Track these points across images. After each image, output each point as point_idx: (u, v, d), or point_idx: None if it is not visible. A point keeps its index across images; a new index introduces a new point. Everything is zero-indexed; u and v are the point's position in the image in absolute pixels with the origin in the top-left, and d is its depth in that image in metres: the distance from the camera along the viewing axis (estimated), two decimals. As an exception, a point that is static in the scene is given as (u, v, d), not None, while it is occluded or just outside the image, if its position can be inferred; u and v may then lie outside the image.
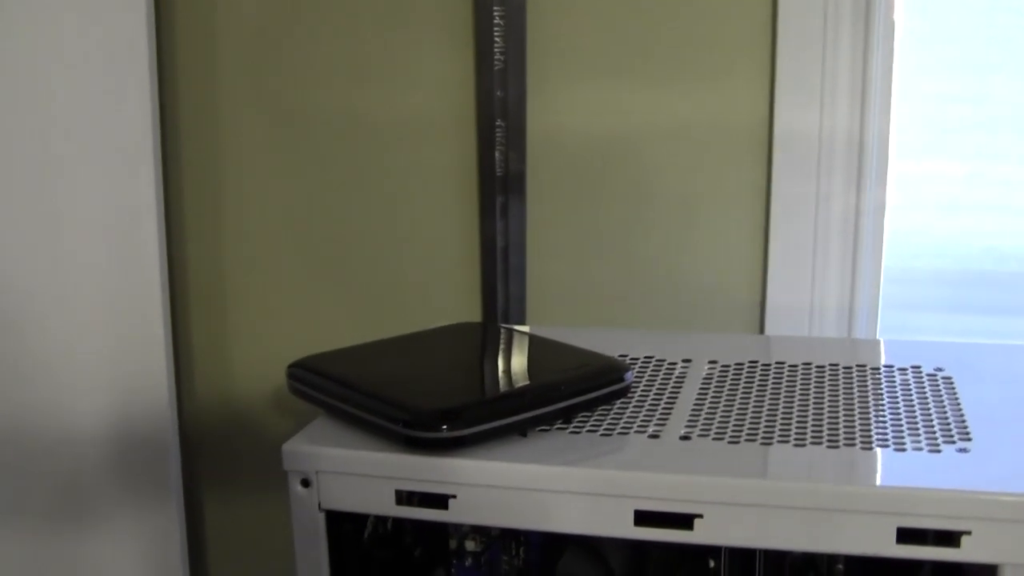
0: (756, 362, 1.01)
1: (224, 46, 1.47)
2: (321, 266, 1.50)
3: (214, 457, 1.60)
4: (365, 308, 1.49)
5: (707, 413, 0.89)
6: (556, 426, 0.87)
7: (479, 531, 0.96)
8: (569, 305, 1.43)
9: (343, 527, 0.88)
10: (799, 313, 1.36)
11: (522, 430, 0.85)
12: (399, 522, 0.94)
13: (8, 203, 1.41)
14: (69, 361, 1.45)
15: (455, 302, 1.45)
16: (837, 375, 0.97)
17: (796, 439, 0.83)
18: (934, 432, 0.83)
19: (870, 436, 0.83)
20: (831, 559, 0.85)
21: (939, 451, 0.80)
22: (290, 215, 1.49)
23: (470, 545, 0.96)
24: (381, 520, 0.93)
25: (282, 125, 1.47)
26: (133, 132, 1.40)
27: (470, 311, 1.45)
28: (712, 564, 0.87)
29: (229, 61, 1.47)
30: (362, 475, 0.84)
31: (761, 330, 1.38)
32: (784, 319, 1.36)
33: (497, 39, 1.36)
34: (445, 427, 0.81)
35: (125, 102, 1.40)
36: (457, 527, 0.96)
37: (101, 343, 1.45)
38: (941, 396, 0.91)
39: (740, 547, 0.80)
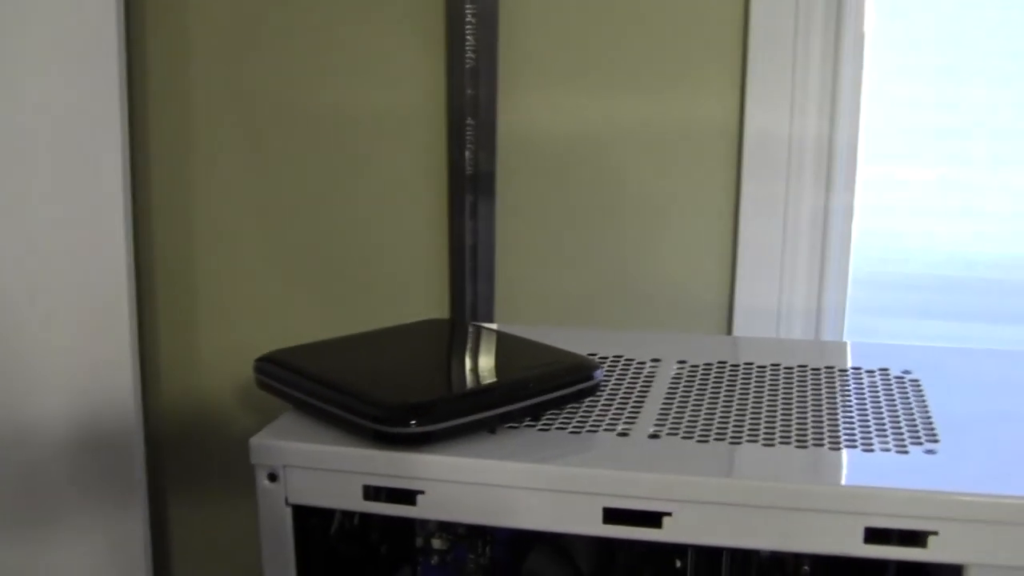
0: (725, 362, 1.01)
1: (195, 38, 1.46)
2: (290, 261, 1.49)
3: (180, 454, 1.59)
4: (334, 304, 1.49)
5: (676, 412, 0.89)
6: (525, 423, 0.87)
7: (446, 529, 0.95)
8: (537, 304, 1.43)
9: (309, 522, 0.87)
10: (767, 315, 1.36)
11: (491, 427, 0.85)
12: (366, 519, 0.93)
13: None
14: (32, 355, 1.44)
15: (424, 299, 1.45)
16: (806, 376, 0.97)
17: (764, 439, 0.83)
18: (901, 433, 0.84)
19: (838, 437, 0.83)
20: (797, 560, 0.85)
21: (906, 452, 0.80)
22: (259, 210, 1.49)
23: (436, 543, 0.96)
24: (348, 516, 0.92)
25: (253, 120, 1.46)
26: (101, 124, 1.40)
27: (438, 309, 1.44)
28: (679, 564, 0.87)
29: (200, 54, 1.46)
30: (330, 470, 0.83)
31: (729, 331, 1.38)
32: (752, 321, 1.37)
33: (469, 37, 1.36)
34: (414, 422, 0.81)
35: (93, 94, 1.39)
36: (424, 525, 0.95)
37: (65, 337, 1.44)
38: (908, 398, 0.92)
39: (709, 545, 0.80)
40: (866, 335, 1.39)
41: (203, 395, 1.56)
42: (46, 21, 1.36)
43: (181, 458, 1.59)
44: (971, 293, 1.39)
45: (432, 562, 0.96)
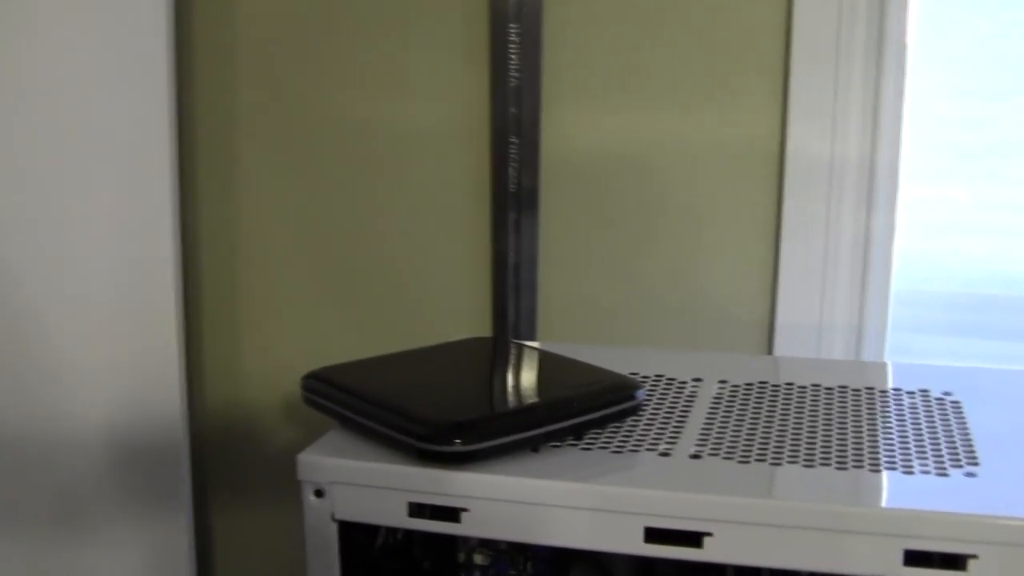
0: (766, 382, 1.02)
1: (241, 57, 1.48)
2: (334, 277, 1.51)
3: (223, 466, 1.60)
4: (376, 319, 1.50)
5: (717, 432, 0.90)
6: (567, 442, 0.88)
7: (487, 544, 0.96)
8: (579, 321, 1.44)
9: (354, 537, 0.88)
10: (807, 333, 1.37)
11: (534, 445, 0.86)
12: (409, 534, 0.94)
13: (24, 209, 1.42)
14: (81, 367, 1.46)
15: (466, 316, 1.46)
16: (846, 397, 0.98)
17: (805, 460, 0.84)
18: (941, 456, 0.84)
19: (878, 458, 0.84)
20: (837, 580, 0.86)
21: (946, 475, 0.81)
22: (304, 226, 1.50)
23: (478, 558, 0.97)
24: (392, 531, 0.93)
25: (298, 138, 1.48)
26: (150, 142, 1.41)
27: (481, 325, 1.45)
28: (718, 582, 0.87)
29: (246, 72, 1.48)
30: (375, 487, 0.84)
31: (769, 349, 1.38)
32: (792, 339, 1.37)
33: (513, 56, 1.37)
34: (458, 441, 0.82)
35: (143, 112, 1.41)
36: (466, 540, 0.96)
37: (113, 350, 1.45)
38: (949, 420, 0.92)
39: (748, 565, 0.80)
40: (907, 353, 1.39)
41: (246, 407, 1.58)
42: (97, 38, 1.39)
43: (224, 468, 1.61)
44: (1012, 312, 1.39)
45: (474, 577, 0.97)
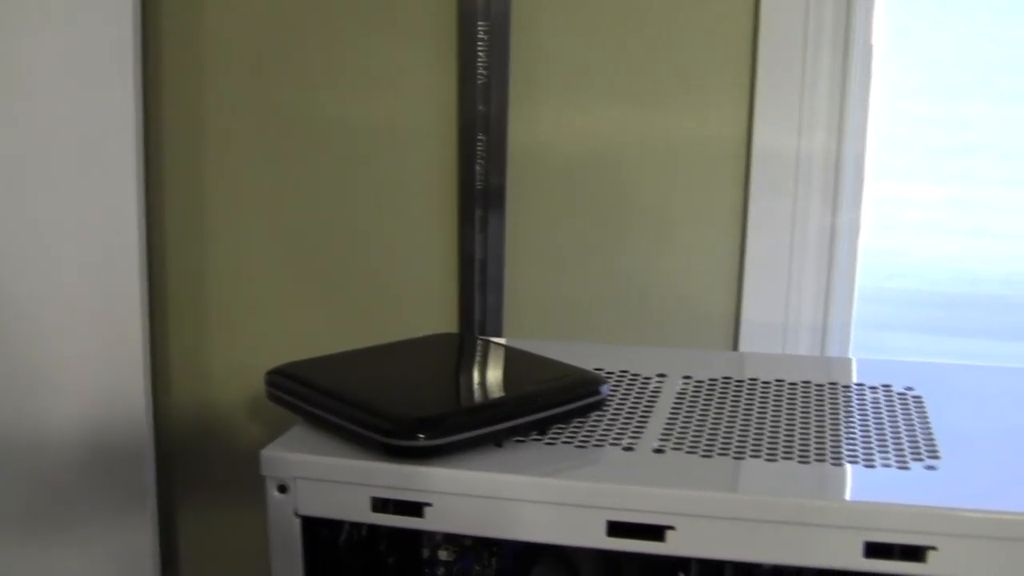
0: (730, 378, 1.02)
1: (210, 54, 1.47)
2: (300, 274, 1.50)
3: (190, 463, 1.60)
4: (343, 316, 1.50)
5: (681, 427, 0.90)
6: (531, 437, 0.88)
7: (452, 540, 0.96)
8: (546, 318, 1.44)
9: (319, 533, 0.88)
10: (773, 330, 1.37)
11: (498, 440, 0.86)
12: (374, 529, 0.94)
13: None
14: (45, 365, 1.45)
15: (433, 313, 1.46)
16: (809, 392, 0.98)
17: (768, 454, 0.84)
18: (903, 449, 0.85)
19: (840, 452, 0.84)
20: (800, 573, 0.86)
21: (907, 468, 0.81)
22: (271, 223, 1.50)
23: (443, 554, 0.97)
24: (356, 527, 0.93)
25: (266, 134, 1.48)
26: (116, 137, 1.41)
27: (447, 322, 1.45)
28: (682, 576, 0.88)
29: (215, 67, 1.48)
30: (339, 482, 0.84)
31: (735, 346, 1.39)
32: (758, 335, 1.38)
33: (481, 54, 1.37)
34: (422, 436, 0.82)
35: (109, 105, 1.40)
36: (431, 536, 0.97)
37: (78, 346, 1.45)
38: (911, 415, 0.93)
39: (710, 559, 0.81)
40: (871, 350, 1.40)
41: (213, 405, 1.57)
42: (63, 31, 1.38)
43: (190, 467, 1.60)
44: (977, 310, 1.40)
45: (438, 573, 0.97)
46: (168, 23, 1.47)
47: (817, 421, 0.91)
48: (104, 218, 1.43)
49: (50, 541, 1.48)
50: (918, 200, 1.39)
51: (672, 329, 1.41)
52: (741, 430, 0.89)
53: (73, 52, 1.39)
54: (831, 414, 0.93)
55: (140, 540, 1.50)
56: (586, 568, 0.94)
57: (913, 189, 1.39)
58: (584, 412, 0.91)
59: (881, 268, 1.40)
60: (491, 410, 0.87)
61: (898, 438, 0.87)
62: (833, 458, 0.83)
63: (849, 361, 1.18)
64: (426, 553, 0.97)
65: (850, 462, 0.83)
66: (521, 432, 0.88)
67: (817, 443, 0.86)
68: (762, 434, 0.88)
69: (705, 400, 0.97)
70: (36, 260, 1.42)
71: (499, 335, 1.43)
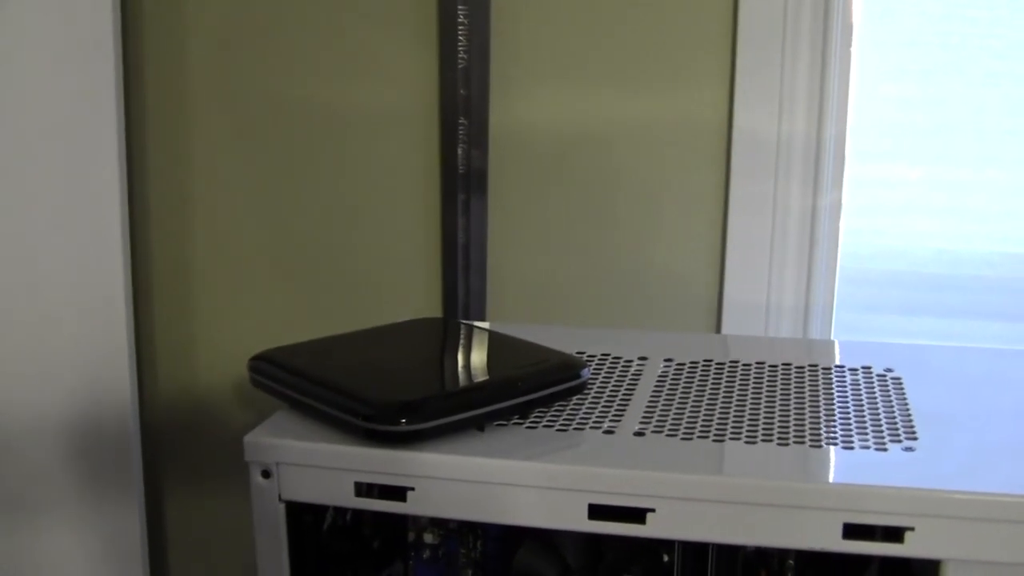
0: (711, 360, 1.03)
1: (190, 36, 1.47)
2: (284, 259, 1.50)
3: (175, 449, 1.60)
4: (327, 301, 1.50)
5: (661, 410, 0.91)
6: (513, 421, 0.89)
7: (437, 524, 0.97)
8: (529, 301, 1.44)
9: (303, 518, 0.89)
10: (755, 311, 1.38)
11: (479, 425, 0.87)
12: (358, 514, 0.95)
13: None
14: (29, 352, 1.45)
15: (416, 297, 1.46)
16: (790, 374, 0.99)
17: (748, 436, 0.85)
18: (881, 431, 0.85)
19: (820, 434, 0.85)
20: (783, 554, 0.87)
21: (885, 450, 0.82)
22: (253, 208, 1.50)
23: (428, 538, 0.97)
24: (340, 512, 0.94)
25: (247, 119, 1.48)
26: (97, 121, 1.40)
27: (431, 306, 1.46)
28: (666, 558, 0.88)
29: (195, 52, 1.47)
30: (322, 467, 0.85)
31: (718, 327, 1.39)
32: (741, 317, 1.38)
33: (461, 37, 1.37)
34: (404, 420, 0.82)
35: (89, 92, 1.40)
36: (415, 520, 0.97)
37: (62, 333, 1.45)
38: (890, 396, 0.93)
39: (691, 541, 0.81)
40: (853, 331, 1.41)
41: (198, 392, 1.57)
42: (41, 19, 1.37)
43: (176, 453, 1.60)
44: (957, 290, 1.41)
45: (424, 556, 0.98)
46: (148, 8, 1.47)
47: (797, 403, 0.92)
48: (87, 205, 1.42)
49: (38, 527, 1.48)
50: (899, 181, 1.40)
51: (655, 310, 1.41)
52: (722, 412, 0.90)
53: (53, 37, 1.38)
54: (811, 396, 0.93)
55: (127, 525, 1.50)
56: (570, 551, 0.94)
57: (894, 170, 1.40)
58: (565, 396, 0.91)
59: (863, 249, 1.41)
60: (472, 394, 0.87)
61: (877, 420, 0.88)
62: (813, 440, 0.84)
63: (831, 343, 1.19)
64: (411, 536, 0.98)
65: (829, 444, 0.83)
66: (503, 416, 0.88)
67: (797, 425, 0.87)
68: (742, 416, 0.89)
69: (686, 383, 0.97)
70: (20, 248, 1.42)
71: (482, 318, 1.44)
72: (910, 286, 1.42)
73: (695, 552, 0.87)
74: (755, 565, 0.88)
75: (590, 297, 1.43)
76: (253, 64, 1.46)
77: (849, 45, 1.33)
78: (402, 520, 0.97)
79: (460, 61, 1.37)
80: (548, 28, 1.37)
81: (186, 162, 1.50)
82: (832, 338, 1.40)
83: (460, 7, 1.36)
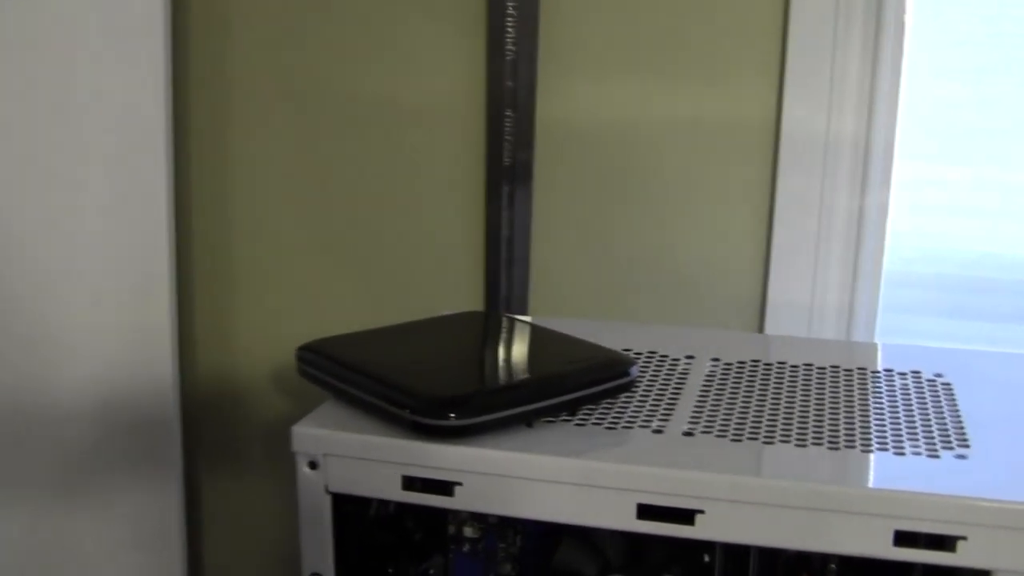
0: (758, 361, 1.02)
1: (237, 31, 1.47)
2: (327, 249, 1.51)
3: (214, 435, 1.61)
4: (369, 293, 1.50)
5: (710, 410, 0.90)
6: (561, 418, 0.88)
7: (477, 518, 0.97)
8: (571, 296, 1.44)
9: (347, 509, 0.89)
10: (799, 312, 1.37)
11: (527, 420, 0.86)
12: (401, 507, 0.95)
13: (19, 178, 1.41)
14: (73, 336, 1.45)
15: (458, 290, 1.46)
16: (838, 377, 0.98)
17: (797, 439, 0.84)
18: (933, 438, 0.85)
19: (869, 439, 0.84)
20: (824, 558, 0.86)
21: (937, 456, 0.81)
22: (298, 197, 1.50)
23: (468, 531, 0.97)
24: (383, 503, 0.94)
25: (293, 109, 1.48)
26: (146, 110, 1.41)
27: (472, 299, 1.46)
28: (706, 559, 0.88)
29: (243, 43, 1.48)
30: (369, 459, 0.85)
31: (760, 327, 1.39)
32: (784, 317, 1.38)
33: (509, 29, 1.36)
34: (452, 415, 0.82)
35: (139, 82, 1.40)
36: (456, 514, 0.97)
37: (107, 314, 1.45)
38: (940, 402, 0.92)
39: (739, 543, 0.81)
40: (897, 334, 1.40)
41: (238, 376, 1.58)
42: (92, 13, 1.38)
43: (216, 440, 1.61)
44: (1005, 294, 1.39)
45: (464, 550, 0.98)
46: (196, 4, 1.47)
47: (847, 407, 0.91)
48: (133, 189, 1.43)
49: (77, 507, 1.49)
50: (947, 182, 1.39)
51: (698, 307, 1.41)
52: (771, 414, 0.89)
53: (101, 33, 1.39)
54: (860, 400, 0.93)
55: (166, 506, 1.51)
56: (610, 549, 0.94)
57: (943, 171, 1.38)
58: (614, 393, 0.91)
59: (909, 251, 1.40)
60: (521, 390, 0.87)
61: (928, 426, 0.87)
62: (863, 445, 0.83)
63: (877, 346, 1.18)
64: (452, 530, 0.97)
65: (880, 449, 0.83)
66: (551, 413, 0.88)
67: (847, 429, 0.86)
68: (791, 419, 0.88)
69: (734, 383, 0.97)
70: (66, 232, 1.43)
71: (525, 312, 1.43)
72: (957, 289, 1.40)
73: (736, 553, 0.87)
74: (796, 567, 0.88)
75: (633, 292, 1.42)
76: (300, 55, 1.46)
77: (901, 43, 1.32)
78: (443, 513, 0.97)
79: (508, 53, 1.37)
80: (596, 21, 1.37)
81: (231, 150, 1.51)
82: (875, 340, 1.39)
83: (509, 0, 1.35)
